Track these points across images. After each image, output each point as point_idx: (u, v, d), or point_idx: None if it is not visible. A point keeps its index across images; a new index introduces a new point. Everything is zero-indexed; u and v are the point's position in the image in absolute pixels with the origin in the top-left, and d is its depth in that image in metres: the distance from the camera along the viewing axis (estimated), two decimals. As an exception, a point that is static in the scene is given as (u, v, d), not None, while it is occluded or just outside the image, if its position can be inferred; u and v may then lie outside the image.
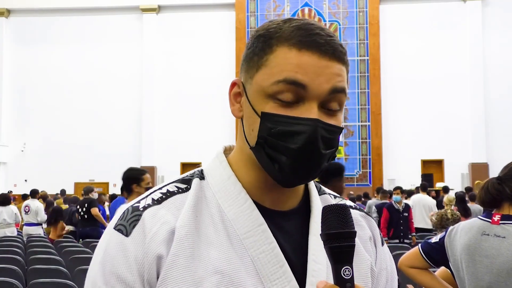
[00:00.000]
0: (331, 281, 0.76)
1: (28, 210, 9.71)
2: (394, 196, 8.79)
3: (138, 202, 0.88)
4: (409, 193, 11.54)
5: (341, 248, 0.74)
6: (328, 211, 0.77)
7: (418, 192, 10.75)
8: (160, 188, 0.91)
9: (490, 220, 2.06)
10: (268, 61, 0.84)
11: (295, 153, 0.81)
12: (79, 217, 9.01)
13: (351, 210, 1.00)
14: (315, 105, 0.82)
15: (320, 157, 0.83)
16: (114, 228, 0.86)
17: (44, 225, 10.02)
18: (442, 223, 7.76)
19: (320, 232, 0.77)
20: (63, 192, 14.26)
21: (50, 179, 18.30)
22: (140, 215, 0.85)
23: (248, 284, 0.82)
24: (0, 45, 20.39)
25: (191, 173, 0.94)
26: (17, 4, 20.59)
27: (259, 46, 0.86)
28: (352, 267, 0.75)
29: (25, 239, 8.71)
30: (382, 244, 1.02)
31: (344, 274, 0.74)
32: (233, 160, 0.93)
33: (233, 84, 0.91)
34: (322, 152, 0.82)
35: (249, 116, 0.86)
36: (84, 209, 8.85)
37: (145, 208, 0.86)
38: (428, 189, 11.25)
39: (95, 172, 19.25)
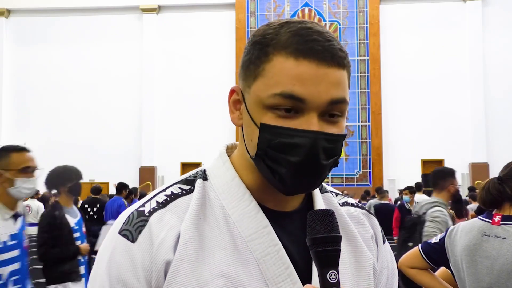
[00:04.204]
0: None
1: (29, 211, 9.69)
2: (404, 197, 8.68)
3: (143, 205, 0.87)
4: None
5: (327, 253, 0.75)
6: (313, 216, 0.78)
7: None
8: (164, 190, 0.90)
9: (491, 221, 2.06)
10: (265, 71, 0.81)
11: (295, 166, 0.79)
12: (87, 216, 8.93)
13: (353, 208, 1.00)
14: (315, 115, 0.80)
15: (321, 168, 0.81)
16: (119, 233, 0.84)
17: None
18: None
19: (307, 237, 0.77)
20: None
21: (50, 179, 18.25)
22: (147, 220, 0.83)
23: (253, 287, 0.81)
24: (0, 45, 20.38)
25: (193, 174, 0.93)
26: (17, 4, 20.57)
27: (255, 54, 0.83)
28: (338, 271, 0.75)
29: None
30: (384, 242, 1.01)
31: (330, 278, 0.74)
32: (235, 161, 0.92)
33: (232, 92, 0.89)
34: (323, 163, 0.80)
35: (248, 126, 0.85)
36: (95, 209, 8.88)
37: (150, 212, 0.84)
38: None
39: (95, 172, 19.19)
